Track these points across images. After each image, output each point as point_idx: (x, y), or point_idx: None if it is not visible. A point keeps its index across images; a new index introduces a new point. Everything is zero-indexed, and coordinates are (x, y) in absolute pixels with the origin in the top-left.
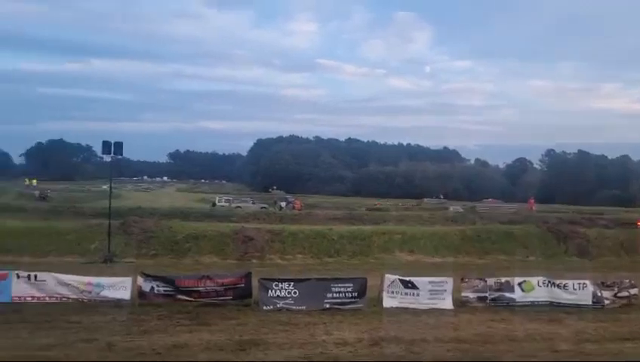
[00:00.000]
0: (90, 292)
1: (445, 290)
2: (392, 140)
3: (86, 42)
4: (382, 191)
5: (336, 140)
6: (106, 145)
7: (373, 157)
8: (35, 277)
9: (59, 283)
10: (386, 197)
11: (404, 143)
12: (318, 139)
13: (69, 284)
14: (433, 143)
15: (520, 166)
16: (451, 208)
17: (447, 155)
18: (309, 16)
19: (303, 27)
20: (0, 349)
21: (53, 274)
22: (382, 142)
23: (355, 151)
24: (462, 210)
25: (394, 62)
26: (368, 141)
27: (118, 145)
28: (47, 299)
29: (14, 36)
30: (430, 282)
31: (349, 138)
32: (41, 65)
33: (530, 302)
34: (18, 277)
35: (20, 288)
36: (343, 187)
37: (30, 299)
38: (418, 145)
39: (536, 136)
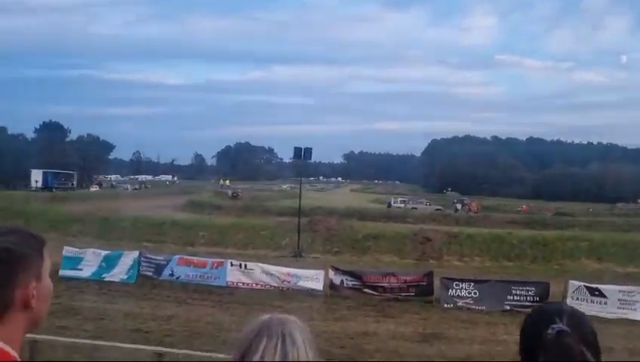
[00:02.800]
0: (289, 282)
1: (637, 301)
2: (580, 139)
3: (268, 51)
4: (567, 194)
5: (516, 140)
6: (297, 151)
7: (558, 158)
8: (245, 266)
9: (264, 272)
10: (573, 201)
11: (595, 142)
12: (495, 139)
13: (272, 274)
14: (630, 142)
15: None
16: None
17: None
18: (486, 10)
19: (481, 22)
20: (224, 323)
21: (259, 264)
22: (568, 142)
23: (537, 152)
24: None
25: (582, 54)
26: (552, 140)
27: (307, 151)
28: (254, 285)
29: (209, 50)
30: (620, 291)
31: (530, 137)
32: (230, 75)
33: None
34: (232, 265)
35: (233, 275)
36: (522, 189)
37: (241, 284)
38: (611, 144)
39: None
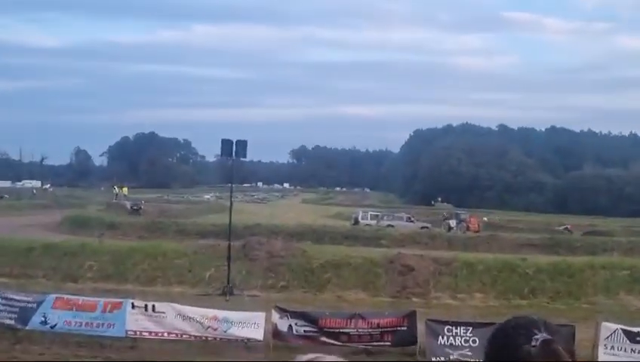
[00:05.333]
0: (215, 329)
1: None
2: (621, 130)
3: (185, 2)
4: (602, 205)
5: (533, 130)
6: (227, 145)
7: (589, 155)
8: (153, 307)
9: (180, 317)
10: (610, 215)
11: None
12: (504, 129)
13: (192, 318)
14: None
15: None
16: None
17: None
18: None
19: None
20: None
21: (173, 304)
22: (603, 133)
23: (562, 147)
24: None
25: (623, 11)
26: (582, 131)
27: (241, 145)
28: (165, 334)
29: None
30: None
31: (552, 127)
32: (128, 36)
33: None
34: (133, 307)
35: (135, 321)
36: (541, 199)
37: (147, 334)
38: None
39: None
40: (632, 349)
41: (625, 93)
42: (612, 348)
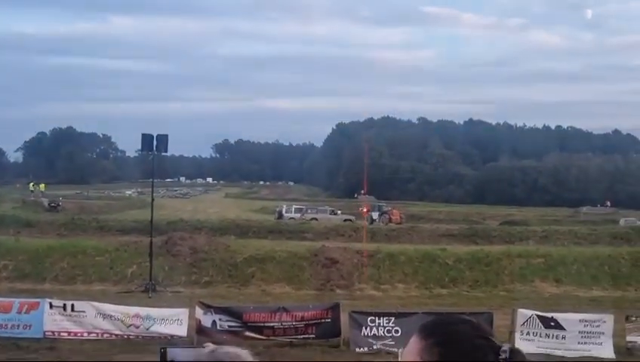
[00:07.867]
0: (137, 327)
1: (603, 332)
2: (534, 122)
3: None
4: (518, 195)
5: (452, 123)
6: (147, 140)
7: (506, 147)
8: (72, 307)
9: (100, 315)
10: (525, 205)
11: (552, 126)
12: (424, 122)
13: (113, 317)
14: (597, 125)
15: None
16: (623, 221)
17: (619, 143)
18: None
19: None
20: None
21: (93, 303)
22: (518, 125)
23: (479, 139)
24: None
25: (536, 8)
26: (498, 123)
27: (162, 140)
28: (85, 334)
29: None
30: (581, 321)
31: (470, 119)
32: (43, 27)
33: None
34: (51, 307)
35: (54, 321)
36: (460, 190)
37: (66, 334)
38: (573, 129)
39: None
40: (546, 334)
41: (538, 86)
42: (528, 333)
